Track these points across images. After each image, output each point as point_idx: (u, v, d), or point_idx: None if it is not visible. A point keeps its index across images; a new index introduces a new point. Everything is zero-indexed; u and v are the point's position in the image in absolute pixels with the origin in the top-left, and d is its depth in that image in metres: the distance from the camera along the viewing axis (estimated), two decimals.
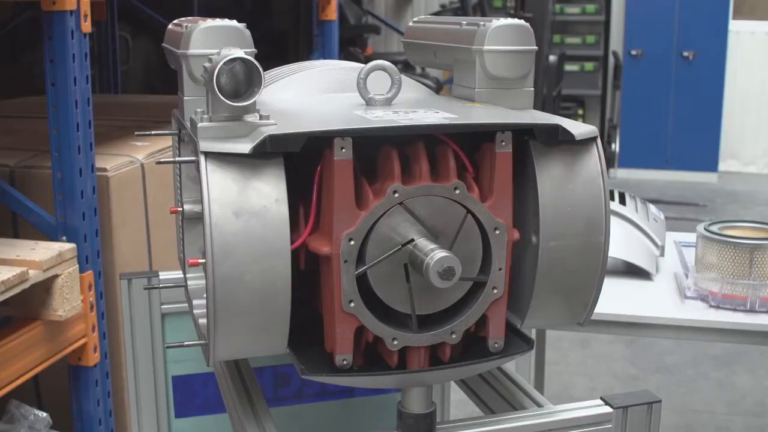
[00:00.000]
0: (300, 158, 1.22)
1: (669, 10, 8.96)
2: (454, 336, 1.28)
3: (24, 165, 2.26)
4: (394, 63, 1.51)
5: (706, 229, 2.56)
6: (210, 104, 1.24)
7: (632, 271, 2.75)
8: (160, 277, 1.88)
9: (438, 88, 5.62)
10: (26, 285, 1.85)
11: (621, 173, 9.29)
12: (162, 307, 1.93)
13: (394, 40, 6.89)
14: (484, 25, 1.48)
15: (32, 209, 2.09)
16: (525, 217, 1.31)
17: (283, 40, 5.50)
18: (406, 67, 4.92)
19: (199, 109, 1.27)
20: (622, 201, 2.88)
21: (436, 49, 1.64)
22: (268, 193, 1.19)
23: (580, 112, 9.44)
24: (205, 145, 1.21)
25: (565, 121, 1.29)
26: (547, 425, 1.45)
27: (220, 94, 1.20)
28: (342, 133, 1.21)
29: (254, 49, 1.31)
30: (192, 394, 2.00)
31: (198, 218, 1.47)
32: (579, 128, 1.29)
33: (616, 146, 9.28)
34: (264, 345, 1.26)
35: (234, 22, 1.36)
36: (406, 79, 1.52)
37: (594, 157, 1.30)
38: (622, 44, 9.29)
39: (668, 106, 9.12)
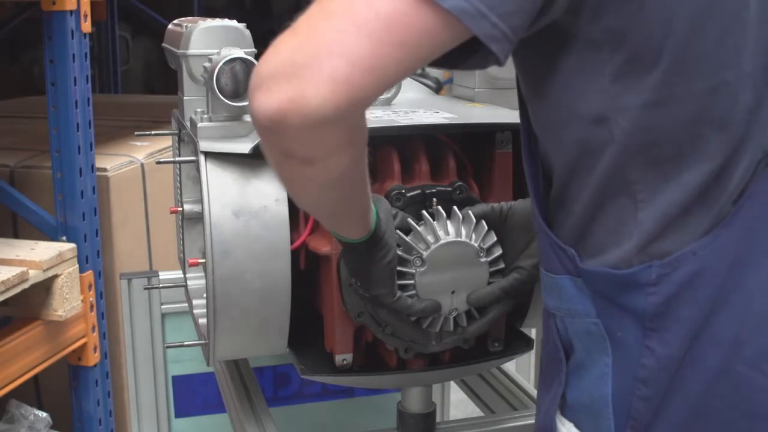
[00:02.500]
0: None
1: None
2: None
3: (24, 165, 2.26)
4: None
5: None
6: (210, 104, 1.24)
7: None
8: (160, 277, 1.88)
9: (438, 88, 5.62)
10: (26, 285, 1.84)
11: None
12: (162, 307, 1.93)
13: None
14: None
15: (32, 209, 2.08)
16: None
17: None
18: None
19: (199, 109, 1.27)
20: None
21: None
22: (268, 192, 1.19)
23: None
24: (205, 145, 1.21)
25: None
26: None
27: (219, 94, 1.20)
28: None
29: (254, 49, 1.31)
30: (192, 394, 2.00)
31: (198, 218, 1.47)
32: None
33: None
34: (264, 345, 1.26)
35: (234, 22, 1.36)
36: (406, 79, 1.52)
37: None
38: None
39: None
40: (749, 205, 0.86)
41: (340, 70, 0.74)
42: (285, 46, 0.77)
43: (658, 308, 0.86)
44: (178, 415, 2.00)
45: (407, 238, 1.17)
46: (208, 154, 1.20)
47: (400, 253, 1.16)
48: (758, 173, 0.86)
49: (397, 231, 1.17)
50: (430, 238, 1.17)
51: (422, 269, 1.16)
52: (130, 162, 2.35)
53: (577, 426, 0.96)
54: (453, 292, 1.18)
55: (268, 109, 0.75)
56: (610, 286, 0.89)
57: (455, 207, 1.19)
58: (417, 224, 1.18)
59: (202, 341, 1.32)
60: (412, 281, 1.16)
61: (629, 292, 0.87)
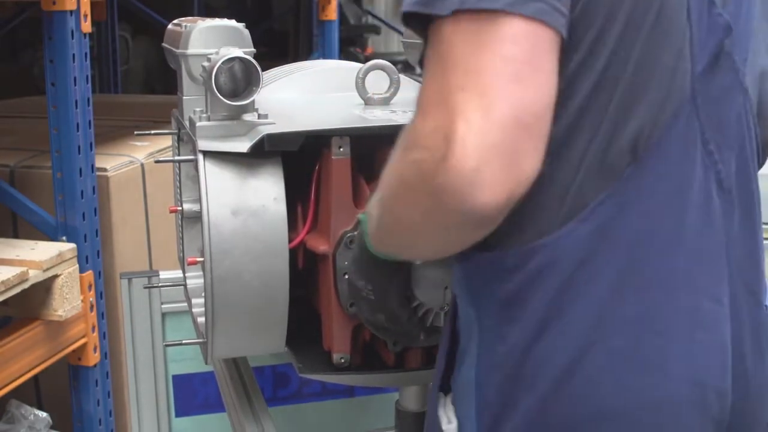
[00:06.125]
0: (298, 157, 1.23)
1: None
2: None
3: (24, 165, 2.26)
4: (394, 63, 1.51)
5: None
6: (209, 103, 1.25)
7: None
8: (160, 277, 1.88)
9: None
10: (26, 285, 1.85)
11: None
12: (162, 306, 1.93)
13: (394, 40, 6.88)
14: None
15: (32, 209, 2.09)
16: None
17: (283, 40, 5.50)
18: (406, 67, 4.91)
19: (197, 109, 1.27)
20: None
21: None
22: (267, 191, 1.20)
23: None
24: (203, 144, 1.21)
25: None
26: None
27: (218, 94, 1.20)
28: (340, 132, 1.21)
29: (253, 49, 1.31)
30: (192, 393, 2.00)
31: (197, 217, 1.47)
32: None
33: None
34: (262, 343, 1.26)
35: (233, 22, 1.37)
36: (404, 79, 1.53)
37: None
38: None
39: None
40: (606, 203, 0.86)
41: (536, 123, 0.78)
42: (465, 135, 0.76)
43: (511, 295, 0.88)
44: (178, 414, 2.00)
45: None
46: (207, 153, 1.20)
47: None
48: (619, 173, 0.86)
49: None
50: None
51: (419, 262, 1.16)
52: (130, 162, 2.36)
53: (455, 412, 0.99)
54: (446, 288, 1.18)
55: (498, 199, 0.77)
56: (476, 269, 0.91)
57: None
58: None
59: (201, 340, 1.33)
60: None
61: (490, 277, 0.89)
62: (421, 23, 0.83)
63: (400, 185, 0.84)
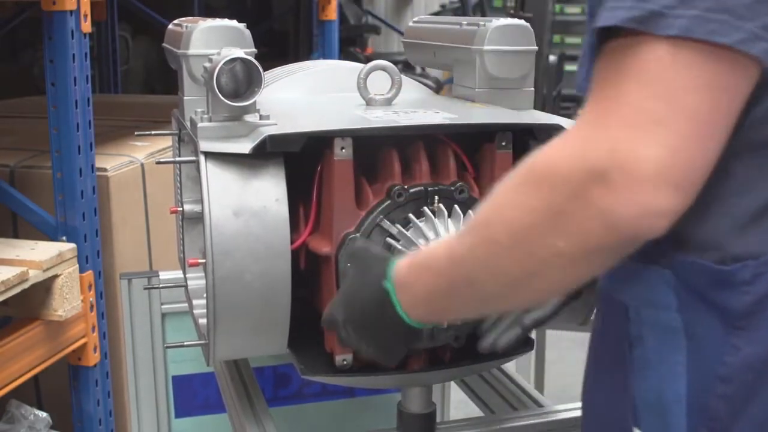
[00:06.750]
0: (300, 158, 1.22)
1: None
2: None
3: (24, 165, 2.26)
4: (394, 63, 1.51)
5: None
6: (210, 104, 1.24)
7: None
8: (160, 277, 1.88)
9: (438, 88, 5.61)
10: (26, 285, 1.85)
11: None
12: (162, 307, 1.93)
13: (394, 40, 6.88)
14: (484, 25, 1.48)
15: (32, 209, 2.09)
16: None
17: (283, 40, 5.50)
18: (406, 67, 4.92)
19: (199, 109, 1.27)
20: None
21: (436, 49, 1.64)
22: (268, 192, 1.19)
23: (580, 112, 9.39)
24: (205, 145, 1.21)
25: (566, 121, 1.29)
26: (547, 425, 1.45)
27: (220, 94, 1.20)
28: (342, 133, 1.21)
29: (254, 49, 1.31)
30: (192, 394, 2.00)
31: (198, 218, 1.47)
32: None
33: None
34: (264, 345, 1.26)
35: (234, 22, 1.36)
36: (406, 79, 1.52)
37: None
38: None
39: None
40: None
41: (707, 172, 0.80)
42: (656, 168, 0.77)
43: (750, 307, 0.86)
44: (178, 415, 2.00)
45: (407, 233, 1.17)
46: (208, 154, 1.20)
47: (399, 246, 1.17)
48: None
49: (397, 225, 1.19)
50: (430, 234, 1.17)
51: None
52: (130, 162, 2.35)
53: (636, 425, 0.95)
54: None
55: (663, 228, 0.79)
56: (701, 281, 0.88)
57: (456, 206, 1.20)
58: (417, 220, 1.18)
59: (202, 341, 1.32)
60: None
61: (721, 289, 0.87)
62: (610, 32, 0.81)
63: (544, 211, 0.82)
